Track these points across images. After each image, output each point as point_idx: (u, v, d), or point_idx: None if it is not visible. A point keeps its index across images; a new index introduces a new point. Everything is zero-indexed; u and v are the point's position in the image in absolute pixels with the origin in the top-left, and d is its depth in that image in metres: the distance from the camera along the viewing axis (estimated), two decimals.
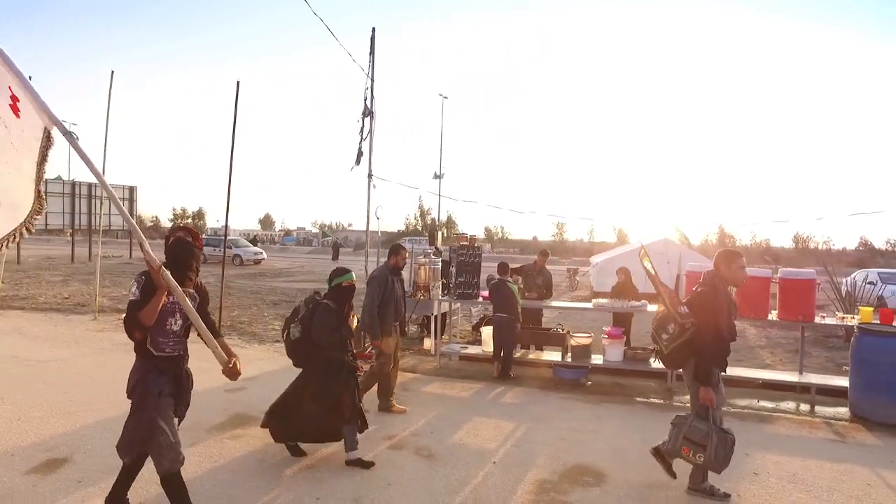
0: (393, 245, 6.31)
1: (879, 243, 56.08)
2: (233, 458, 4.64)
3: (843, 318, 7.14)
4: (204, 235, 35.76)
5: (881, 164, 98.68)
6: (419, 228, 52.97)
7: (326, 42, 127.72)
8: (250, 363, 7.96)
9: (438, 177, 44.77)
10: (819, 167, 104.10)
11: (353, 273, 4.76)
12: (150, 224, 74.35)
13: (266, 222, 74.75)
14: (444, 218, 62.15)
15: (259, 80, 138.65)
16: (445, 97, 41.33)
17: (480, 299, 8.30)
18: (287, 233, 68.85)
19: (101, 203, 25.19)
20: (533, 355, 8.34)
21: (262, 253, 30.01)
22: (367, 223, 9.47)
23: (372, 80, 9.09)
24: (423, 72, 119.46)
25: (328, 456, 4.71)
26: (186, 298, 3.17)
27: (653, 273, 4.35)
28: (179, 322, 3.33)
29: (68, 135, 3.26)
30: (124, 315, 3.26)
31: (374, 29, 9.19)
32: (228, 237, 35.72)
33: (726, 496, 4.11)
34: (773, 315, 7.23)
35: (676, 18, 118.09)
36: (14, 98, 3.23)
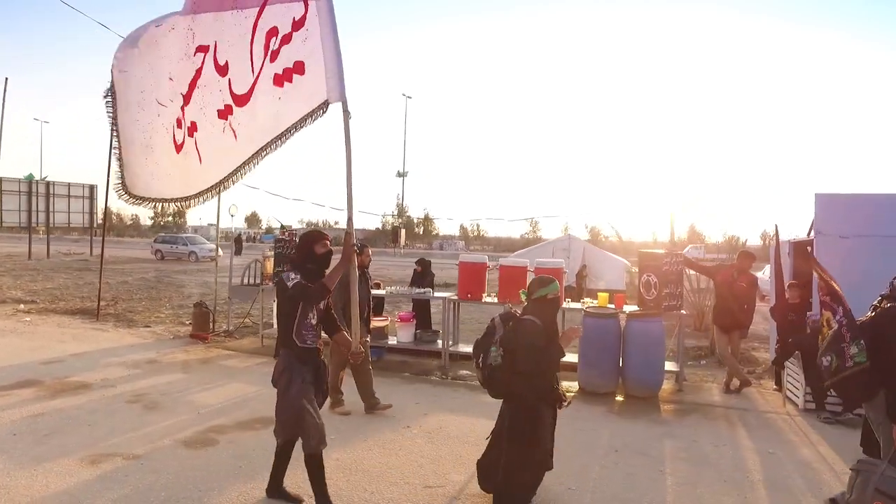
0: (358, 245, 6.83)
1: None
2: None
3: (584, 303, 8.09)
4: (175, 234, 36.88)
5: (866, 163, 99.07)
6: (396, 226, 53.95)
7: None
8: (97, 342, 9.05)
9: (402, 175, 45.91)
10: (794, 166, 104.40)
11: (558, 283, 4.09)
12: (129, 222, 75.82)
13: (252, 220, 76.14)
14: (420, 215, 63.19)
15: None
16: (409, 97, 42.36)
17: None
18: (268, 230, 70.44)
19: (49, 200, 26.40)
20: None
21: (217, 250, 31.06)
22: (218, 220, 10.52)
23: None
24: (418, 72, 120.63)
25: (66, 408, 5.76)
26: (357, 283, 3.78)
27: (831, 282, 3.87)
28: (317, 316, 3.77)
29: (346, 113, 3.52)
30: (302, 292, 3.62)
31: None
32: (186, 235, 36.73)
33: None
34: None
35: (650, 17, 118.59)
36: (298, 64, 3.48)
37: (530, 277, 8.01)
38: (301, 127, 3.56)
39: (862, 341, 3.33)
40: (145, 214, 71.33)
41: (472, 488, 4.29)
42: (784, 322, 7.15)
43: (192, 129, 3.94)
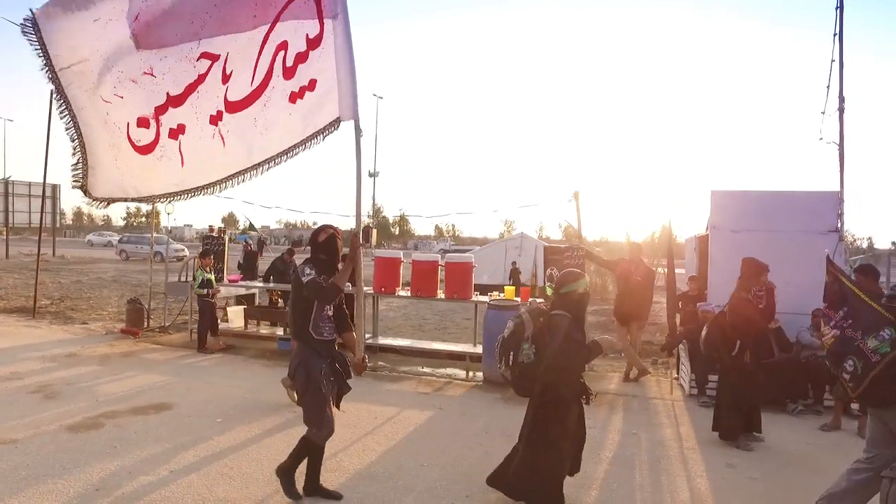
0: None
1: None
2: None
3: (490, 295, 8.39)
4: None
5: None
6: (368, 225, 54.15)
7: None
8: (23, 339, 9.16)
9: (373, 175, 45.97)
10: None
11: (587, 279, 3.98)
12: (101, 223, 75.25)
13: (229, 221, 75.69)
14: (394, 215, 63.35)
15: None
16: (380, 97, 42.58)
17: (227, 281, 9.58)
18: (243, 231, 70.55)
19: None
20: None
21: (184, 250, 31.10)
22: (152, 222, 10.67)
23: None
24: (389, 72, 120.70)
25: None
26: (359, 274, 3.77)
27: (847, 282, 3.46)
28: (332, 311, 3.76)
29: (358, 131, 3.49)
30: (315, 291, 3.57)
31: None
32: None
33: None
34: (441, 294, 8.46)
35: (622, 14, 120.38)
36: (311, 82, 3.43)
37: (441, 272, 8.35)
38: (312, 143, 3.56)
39: (883, 332, 3.03)
40: (117, 214, 71.01)
41: (348, 466, 4.59)
42: (674, 312, 7.54)
43: (179, 130, 3.85)
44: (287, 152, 3.64)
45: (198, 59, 3.74)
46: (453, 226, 62.48)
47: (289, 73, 3.55)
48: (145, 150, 3.93)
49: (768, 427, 5.54)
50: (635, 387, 7.38)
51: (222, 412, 5.72)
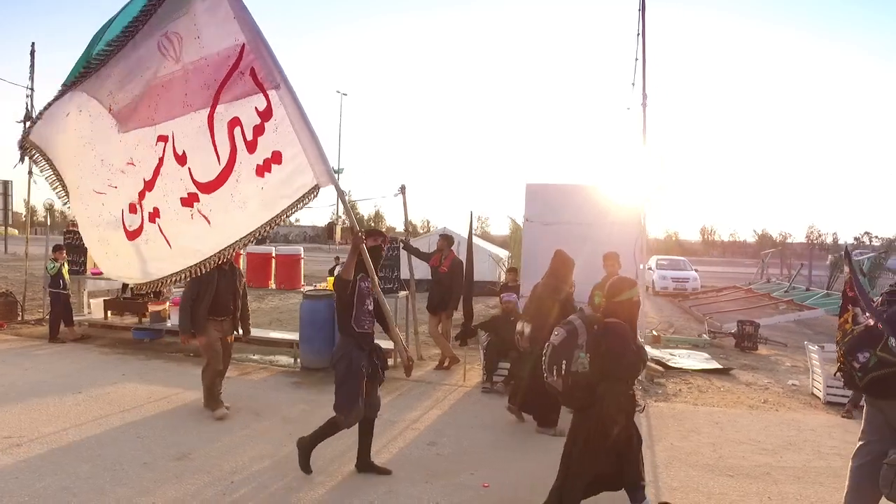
0: None
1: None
2: None
3: (316, 286, 8.81)
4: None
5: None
6: (332, 221, 54.40)
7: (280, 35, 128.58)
8: None
9: (338, 172, 46.34)
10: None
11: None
12: (72, 218, 75.20)
13: None
14: (371, 212, 63.71)
15: None
16: (345, 94, 42.78)
17: (90, 274, 10.01)
18: None
19: None
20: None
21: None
22: (41, 217, 11.02)
23: (32, 90, 10.69)
24: (353, 69, 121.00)
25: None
26: (375, 276, 4.07)
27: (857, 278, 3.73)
28: (372, 305, 4.16)
29: (341, 193, 3.92)
30: (334, 285, 4.22)
31: (33, 43, 10.84)
32: None
33: None
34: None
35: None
36: (276, 155, 3.49)
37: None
38: (293, 212, 3.64)
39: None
40: None
41: (54, 440, 4.95)
42: (469, 300, 7.95)
43: (155, 214, 3.99)
44: (268, 224, 3.69)
45: (156, 143, 3.96)
46: (427, 222, 62.89)
47: (251, 146, 3.61)
48: (134, 234, 4.17)
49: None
50: (442, 374, 7.75)
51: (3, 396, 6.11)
